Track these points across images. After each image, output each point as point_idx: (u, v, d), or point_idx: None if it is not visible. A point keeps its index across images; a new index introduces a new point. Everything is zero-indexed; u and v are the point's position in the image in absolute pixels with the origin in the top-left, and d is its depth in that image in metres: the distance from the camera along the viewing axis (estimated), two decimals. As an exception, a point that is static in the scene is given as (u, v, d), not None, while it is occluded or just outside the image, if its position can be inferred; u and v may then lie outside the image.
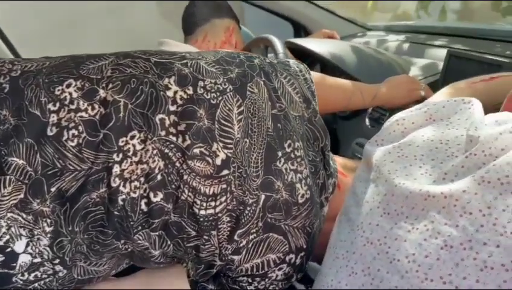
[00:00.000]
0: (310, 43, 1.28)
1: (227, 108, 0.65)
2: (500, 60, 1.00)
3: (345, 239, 0.60)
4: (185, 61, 0.68)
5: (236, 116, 0.65)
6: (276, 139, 0.67)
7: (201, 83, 0.65)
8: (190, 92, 0.64)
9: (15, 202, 0.57)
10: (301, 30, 1.85)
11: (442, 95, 0.88)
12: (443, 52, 1.32)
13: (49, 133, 0.58)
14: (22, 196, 0.57)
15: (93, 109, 0.60)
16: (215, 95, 0.65)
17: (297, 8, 1.75)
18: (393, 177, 0.57)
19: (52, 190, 0.58)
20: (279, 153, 0.66)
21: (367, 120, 1.18)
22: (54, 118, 0.59)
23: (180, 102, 0.63)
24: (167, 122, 0.62)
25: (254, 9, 1.82)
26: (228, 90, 0.67)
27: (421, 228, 0.51)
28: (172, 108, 0.62)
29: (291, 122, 0.69)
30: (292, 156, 0.67)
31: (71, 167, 0.58)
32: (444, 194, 0.51)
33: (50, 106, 0.59)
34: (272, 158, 0.66)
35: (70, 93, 0.60)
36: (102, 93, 0.61)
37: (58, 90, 0.60)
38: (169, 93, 0.63)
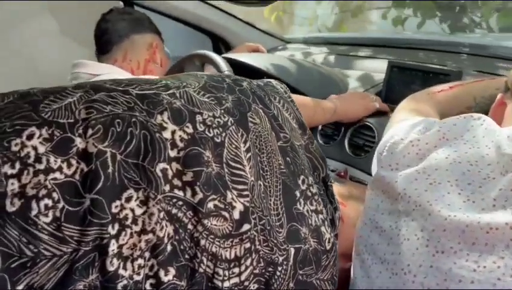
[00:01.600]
0: (248, 58, 1.20)
1: (233, 146, 0.54)
2: (448, 69, 1.03)
3: (386, 285, 0.53)
4: (171, 91, 0.55)
5: (245, 154, 0.55)
6: (289, 176, 0.57)
7: (199, 118, 0.53)
8: (190, 130, 0.52)
9: None
10: (219, 43, 1.77)
11: (406, 108, 0.87)
12: (372, 63, 1.36)
13: (10, 209, 0.41)
14: None
15: (69, 166, 0.44)
16: (218, 131, 0.54)
17: (217, 20, 1.66)
18: (438, 209, 0.52)
19: (20, 288, 0.41)
20: (297, 193, 0.57)
21: (319, 137, 1.14)
22: (14, 186, 0.42)
23: (181, 144, 0.50)
24: (170, 172, 0.48)
25: (162, 22, 1.69)
26: (229, 123, 0.56)
27: (489, 265, 0.46)
28: (172, 153, 0.49)
29: (298, 154, 0.61)
30: (309, 194, 0.58)
31: (47, 253, 0.42)
32: (509, 224, 0.47)
33: (7, 169, 0.42)
34: (292, 200, 0.56)
35: (34, 148, 0.44)
36: (79, 142, 0.46)
37: (16, 144, 0.43)
38: (167, 135, 0.50)
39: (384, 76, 1.16)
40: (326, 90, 1.17)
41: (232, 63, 1.16)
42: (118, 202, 0.45)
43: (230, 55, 1.24)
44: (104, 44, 1.20)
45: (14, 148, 0.43)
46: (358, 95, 1.08)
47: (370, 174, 1.01)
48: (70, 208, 0.43)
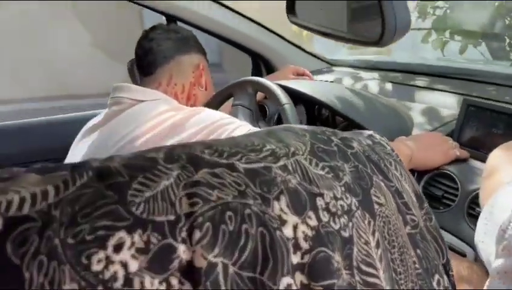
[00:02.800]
0: (309, 89, 1.07)
1: (363, 241, 0.42)
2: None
3: None
4: (281, 162, 0.43)
5: (376, 251, 0.42)
6: (425, 278, 0.45)
7: (320, 202, 0.41)
8: (313, 222, 0.39)
9: None
10: (260, 62, 1.65)
11: (502, 157, 0.74)
12: (436, 96, 1.23)
13: None
14: None
15: (169, 287, 0.32)
16: (345, 221, 0.41)
17: (259, 38, 1.55)
18: None
19: None
20: None
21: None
22: None
23: (305, 245, 0.38)
24: (294, 288, 0.36)
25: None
26: (353, 206, 0.43)
27: None
28: (296, 259, 0.37)
29: (429, 243, 0.48)
30: None
31: None
32: None
33: None
34: None
35: (124, 264, 0.31)
36: (183, 252, 0.32)
37: (99, 260, 0.30)
38: (288, 232, 0.37)
39: (458, 115, 1.03)
40: (394, 129, 1.05)
41: (288, 91, 1.04)
42: None
43: (284, 82, 1.12)
44: (148, 65, 1.08)
45: (96, 268, 0.30)
46: (436, 140, 0.95)
47: (451, 233, 0.89)
48: None
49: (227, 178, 0.38)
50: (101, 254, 0.30)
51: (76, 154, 1.02)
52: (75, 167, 0.35)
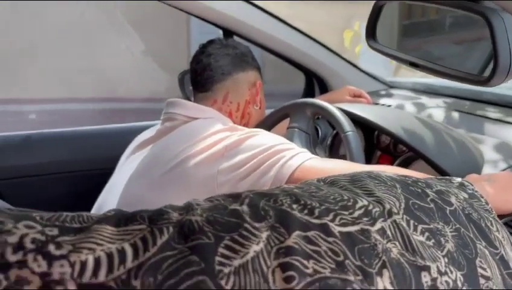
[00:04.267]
0: (374, 116, 1.00)
1: None
2: None
3: None
4: (378, 224, 0.36)
5: None
6: None
7: (425, 278, 0.34)
8: None
9: None
10: (314, 80, 1.59)
11: None
12: (507, 129, 1.12)
13: None
14: None
15: None
16: None
17: (315, 56, 1.48)
18: None
19: None
20: None
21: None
22: None
23: None
24: None
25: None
26: (459, 282, 0.36)
27: None
28: None
29: None
30: None
31: None
32: None
33: None
34: None
35: None
36: None
37: None
38: None
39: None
40: (463, 165, 0.96)
41: (348, 115, 0.97)
42: None
43: (344, 106, 1.05)
44: (204, 81, 1.04)
45: None
46: None
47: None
48: None
49: (323, 245, 0.32)
50: None
51: (126, 169, 0.99)
52: (152, 219, 0.30)
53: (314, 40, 1.48)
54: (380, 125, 0.97)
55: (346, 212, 0.36)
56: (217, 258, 0.28)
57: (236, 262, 0.29)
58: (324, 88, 1.55)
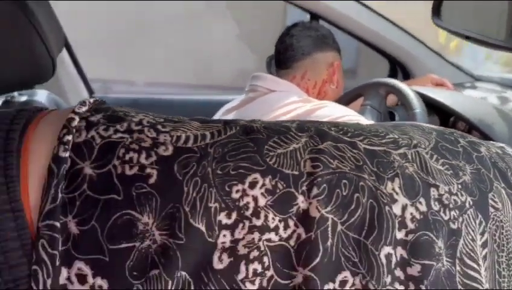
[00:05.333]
0: (451, 100, 1.03)
1: (470, 237, 0.41)
2: None
3: None
4: (401, 150, 0.44)
5: (481, 250, 0.42)
6: None
7: (433, 192, 0.42)
8: (423, 207, 0.40)
9: None
10: (396, 67, 1.62)
11: None
12: None
13: (217, 266, 0.35)
14: None
15: (286, 227, 0.37)
16: (455, 215, 0.42)
17: (401, 44, 1.52)
18: None
19: None
20: None
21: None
22: (226, 239, 0.36)
23: (411, 225, 0.39)
24: (393, 259, 0.38)
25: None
26: (467, 204, 0.43)
27: None
28: (400, 235, 0.39)
29: None
30: None
31: None
32: None
33: (222, 217, 0.36)
34: None
35: (255, 198, 0.37)
36: (302, 202, 0.37)
37: (237, 191, 0.37)
38: (397, 210, 0.40)
39: None
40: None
41: (424, 99, 1.01)
42: (331, 285, 0.36)
43: (421, 89, 1.10)
44: (286, 60, 1.15)
45: (235, 195, 0.37)
46: None
47: None
48: (279, 280, 0.36)
49: (348, 153, 0.42)
50: (240, 187, 0.37)
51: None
52: (226, 122, 0.43)
53: (399, 27, 1.52)
54: (455, 110, 1.00)
55: (375, 138, 0.45)
56: (266, 147, 0.40)
57: (279, 151, 0.40)
58: (407, 76, 1.58)
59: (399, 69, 1.61)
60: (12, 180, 0.35)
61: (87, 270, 0.34)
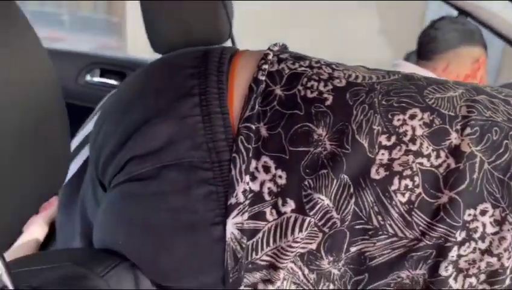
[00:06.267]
0: None
1: None
2: None
3: None
4: None
5: None
6: None
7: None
8: None
9: (302, 251, 0.43)
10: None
11: None
12: None
13: (374, 176, 0.43)
14: (313, 246, 0.43)
15: (438, 157, 0.44)
16: None
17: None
18: None
19: (352, 250, 0.43)
20: None
21: None
22: (383, 157, 0.44)
23: None
24: None
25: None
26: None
27: None
28: None
29: None
30: None
31: (391, 230, 0.42)
32: None
33: (382, 139, 0.44)
34: None
35: (413, 128, 0.45)
36: (454, 138, 0.44)
37: (398, 120, 0.45)
38: None
39: None
40: None
41: None
42: (472, 211, 0.43)
43: None
44: (428, 51, 1.17)
45: (395, 123, 0.45)
46: None
47: None
48: (426, 197, 0.43)
49: (501, 107, 0.47)
50: (401, 116, 0.45)
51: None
52: (389, 71, 0.51)
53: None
54: None
55: None
56: (426, 91, 0.48)
57: (438, 95, 0.46)
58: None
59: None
60: (222, 92, 0.47)
61: (271, 163, 0.44)
